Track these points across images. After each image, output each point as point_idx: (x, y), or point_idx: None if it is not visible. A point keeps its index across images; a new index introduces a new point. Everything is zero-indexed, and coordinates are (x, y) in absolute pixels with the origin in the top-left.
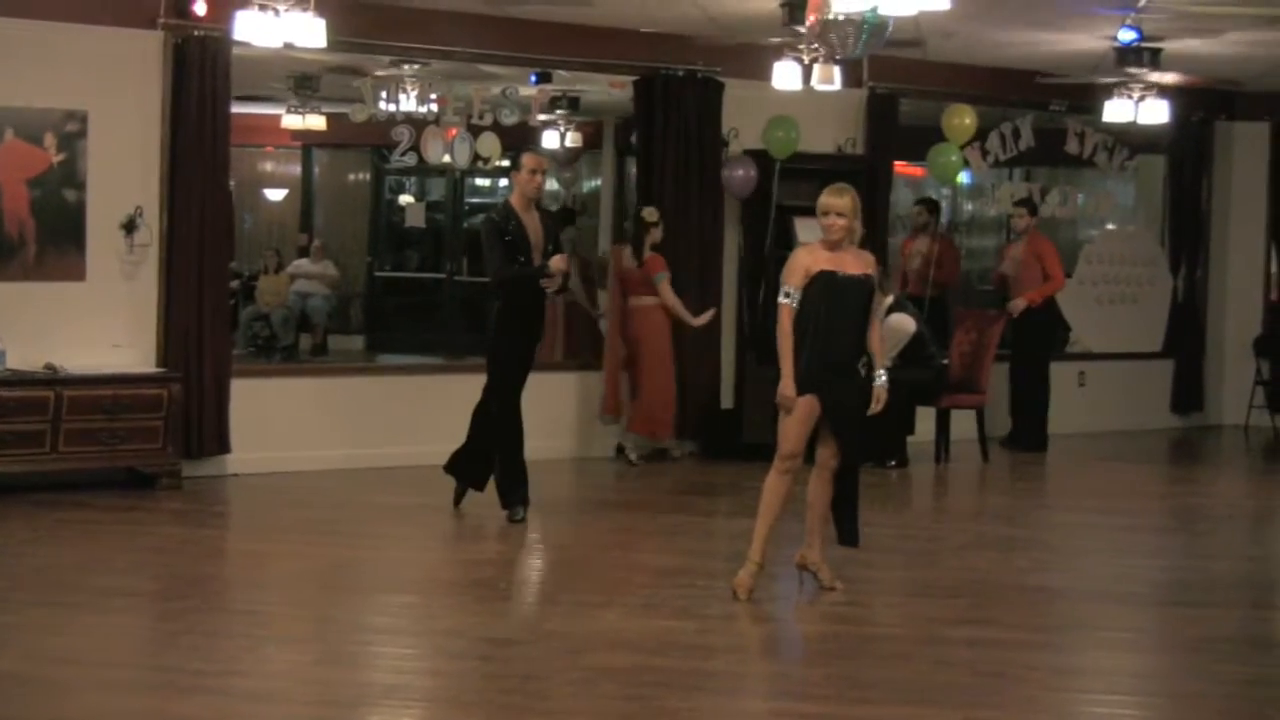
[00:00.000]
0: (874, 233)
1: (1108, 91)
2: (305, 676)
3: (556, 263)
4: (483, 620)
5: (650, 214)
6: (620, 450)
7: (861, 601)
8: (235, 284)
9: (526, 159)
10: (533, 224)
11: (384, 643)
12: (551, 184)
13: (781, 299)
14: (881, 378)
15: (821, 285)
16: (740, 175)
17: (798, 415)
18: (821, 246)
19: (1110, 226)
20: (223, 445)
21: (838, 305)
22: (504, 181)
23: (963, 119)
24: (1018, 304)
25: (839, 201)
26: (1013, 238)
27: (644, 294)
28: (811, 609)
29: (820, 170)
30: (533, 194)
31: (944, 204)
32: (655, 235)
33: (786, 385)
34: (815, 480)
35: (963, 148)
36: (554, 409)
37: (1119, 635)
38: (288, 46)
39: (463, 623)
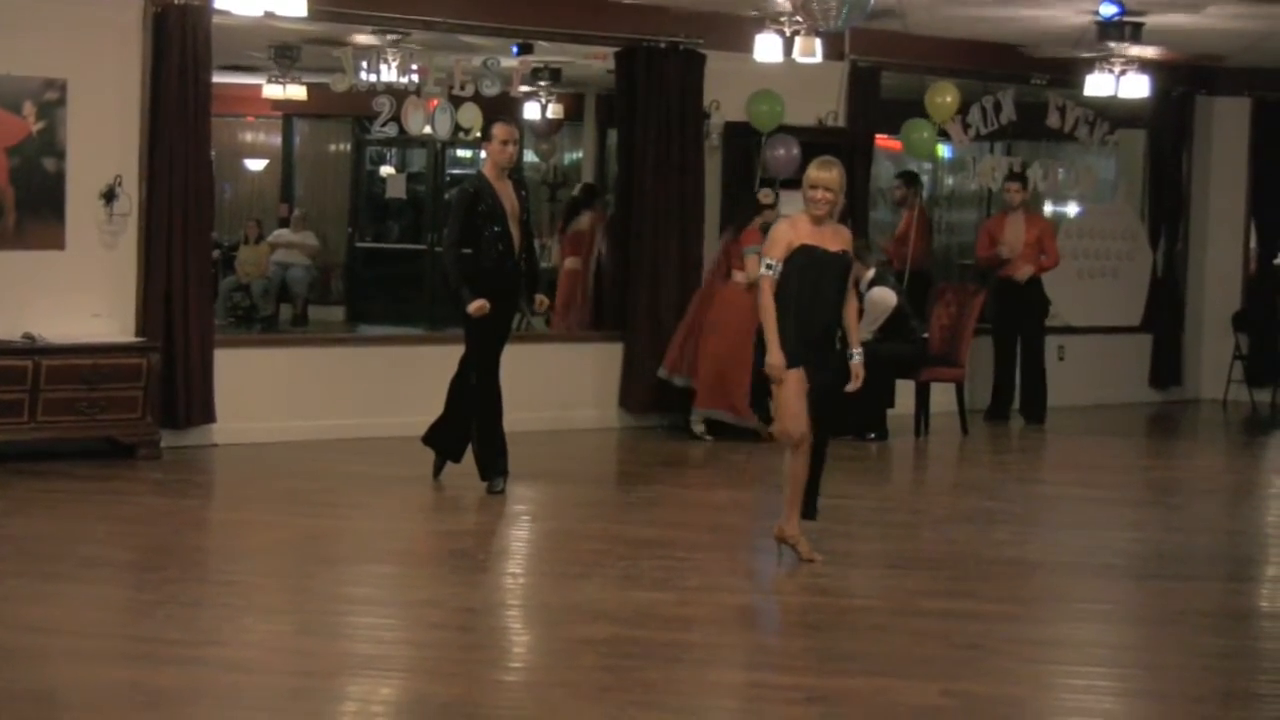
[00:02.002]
0: (855, 206)
1: (1089, 66)
2: (284, 646)
3: (540, 302)
4: (461, 591)
5: (766, 196)
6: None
7: (840, 574)
8: (215, 254)
9: (497, 129)
10: (507, 193)
11: (363, 613)
12: (530, 156)
13: (763, 271)
14: (858, 354)
15: (802, 260)
16: (781, 155)
17: (794, 392)
18: (804, 220)
19: (1087, 203)
20: (208, 415)
21: (817, 281)
22: (485, 153)
23: (945, 97)
24: (1027, 269)
25: (826, 176)
26: (1009, 212)
27: (738, 269)
28: (790, 581)
29: (802, 143)
30: (505, 164)
31: (924, 178)
32: (768, 216)
33: (775, 355)
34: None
35: (944, 123)
36: (553, 379)
37: (1096, 608)
38: (268, 15)
39: (441, 593)
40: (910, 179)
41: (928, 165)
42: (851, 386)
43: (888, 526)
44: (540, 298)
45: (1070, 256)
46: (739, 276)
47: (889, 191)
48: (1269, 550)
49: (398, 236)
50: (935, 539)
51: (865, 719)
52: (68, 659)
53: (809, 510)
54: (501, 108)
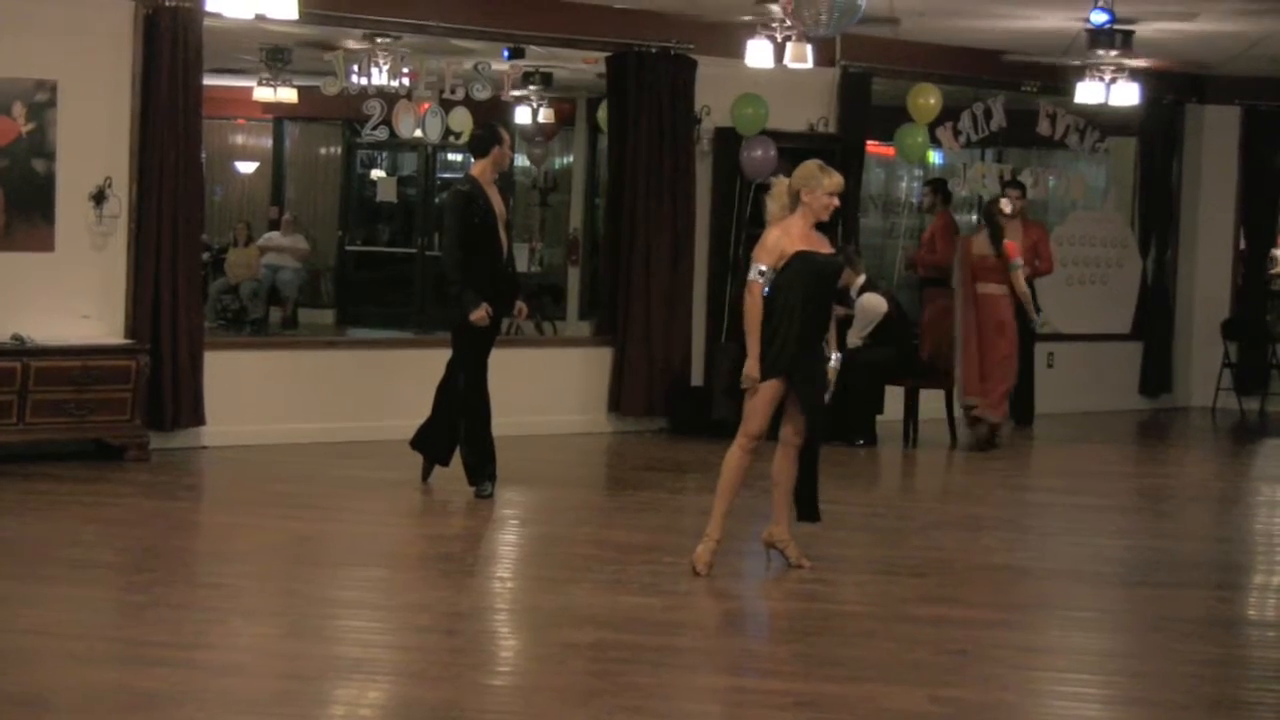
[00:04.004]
0: (847, 212)
1: (1079, 73)
2: (272, 650)
3: (520, 310)
4: (449, 595)
5: (1006, 205)
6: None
7: (828, 579)
8: (205, 256)
9: (506, 134)
10: (495, 198)
11: (351, 616)
12: (521, 160)
13: (754, 277)
14: (834, 359)
15: (800, 266)
16: (759, 156)
17: (766, 396)
18: (796, 225)
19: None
20: (197, 417)
21: (817, 286)
22: (481, 158)
23: (928, 99)
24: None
25: (841, 182)
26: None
27: (991, 281)
28: (778, 586)
29: (793, 149)
30: (504, 168)
31: (916, 184)
32: (1010, 226)
33: (753, 366)
34: (780, 458)
35: (935, 127)
36: (543, 383)
37: (1084, 614)
38: (259, 18)
39: (429, 597)
40: (938, 186)
41: (918, 171)
42: (828, 391)
43: (876, 532)
44: (519, 304)
45: (1060, 264)
46: (995, 289)
47: (920, 198)
48: (1257, 558)
49: (388, 240)
50: (924, 545)
51: None
52: (56, 661)
53: (812, 513)
54: (492, 112)
